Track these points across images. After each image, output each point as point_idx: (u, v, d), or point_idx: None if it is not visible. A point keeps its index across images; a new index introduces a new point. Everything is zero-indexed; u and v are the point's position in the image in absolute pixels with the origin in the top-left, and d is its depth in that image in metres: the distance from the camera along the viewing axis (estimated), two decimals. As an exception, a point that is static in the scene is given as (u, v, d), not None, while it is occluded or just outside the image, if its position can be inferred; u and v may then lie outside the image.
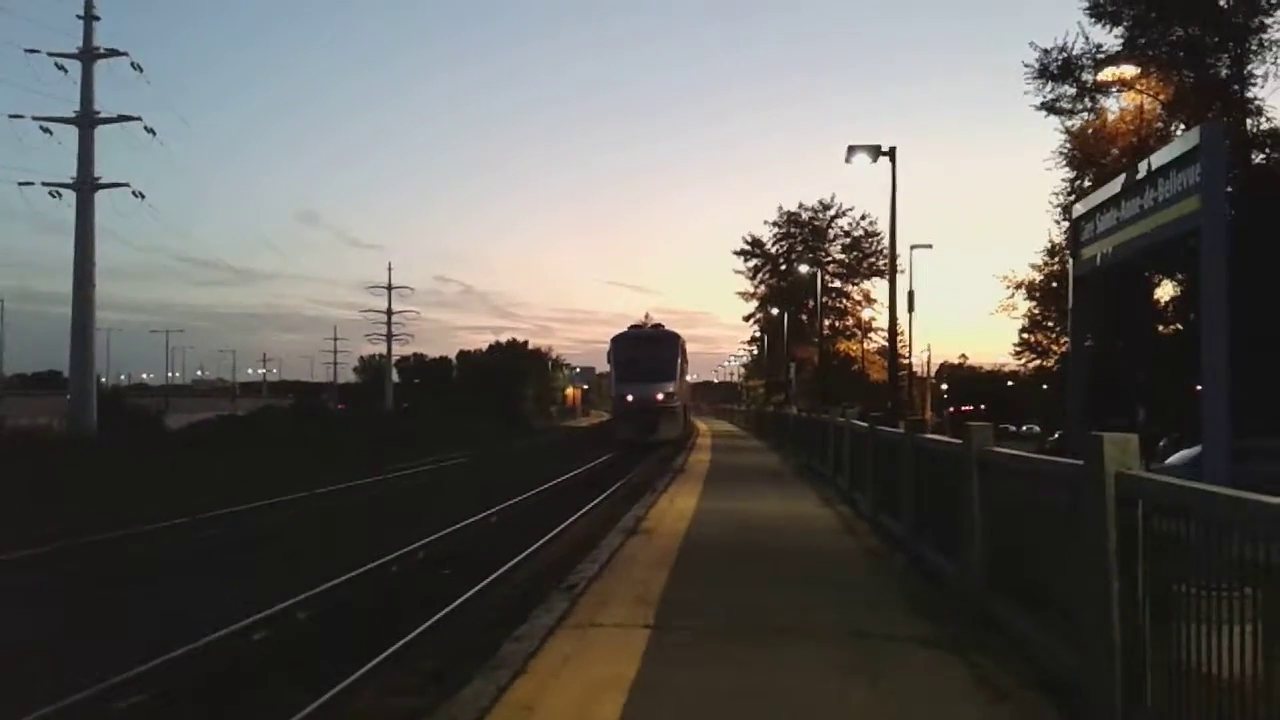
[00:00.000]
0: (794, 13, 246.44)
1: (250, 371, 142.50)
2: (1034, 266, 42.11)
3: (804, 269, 57.10)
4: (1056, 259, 37.04)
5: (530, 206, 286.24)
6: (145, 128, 39.74)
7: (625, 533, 12.09)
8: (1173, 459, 26.75)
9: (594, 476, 27.63)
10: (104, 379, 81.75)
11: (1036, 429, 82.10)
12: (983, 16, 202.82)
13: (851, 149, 17.09)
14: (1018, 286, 40.92)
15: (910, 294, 36.80)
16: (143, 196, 40.19)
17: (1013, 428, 73.63)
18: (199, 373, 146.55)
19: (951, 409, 76.99)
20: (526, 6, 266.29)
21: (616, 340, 48.41)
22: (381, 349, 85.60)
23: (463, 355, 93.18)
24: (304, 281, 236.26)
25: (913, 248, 39.53)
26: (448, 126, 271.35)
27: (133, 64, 39.49)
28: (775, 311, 61.30)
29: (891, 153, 16.97)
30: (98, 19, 38.55)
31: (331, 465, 28.92)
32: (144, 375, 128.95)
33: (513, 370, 79.09)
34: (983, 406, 57.06)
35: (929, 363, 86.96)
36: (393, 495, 23.60)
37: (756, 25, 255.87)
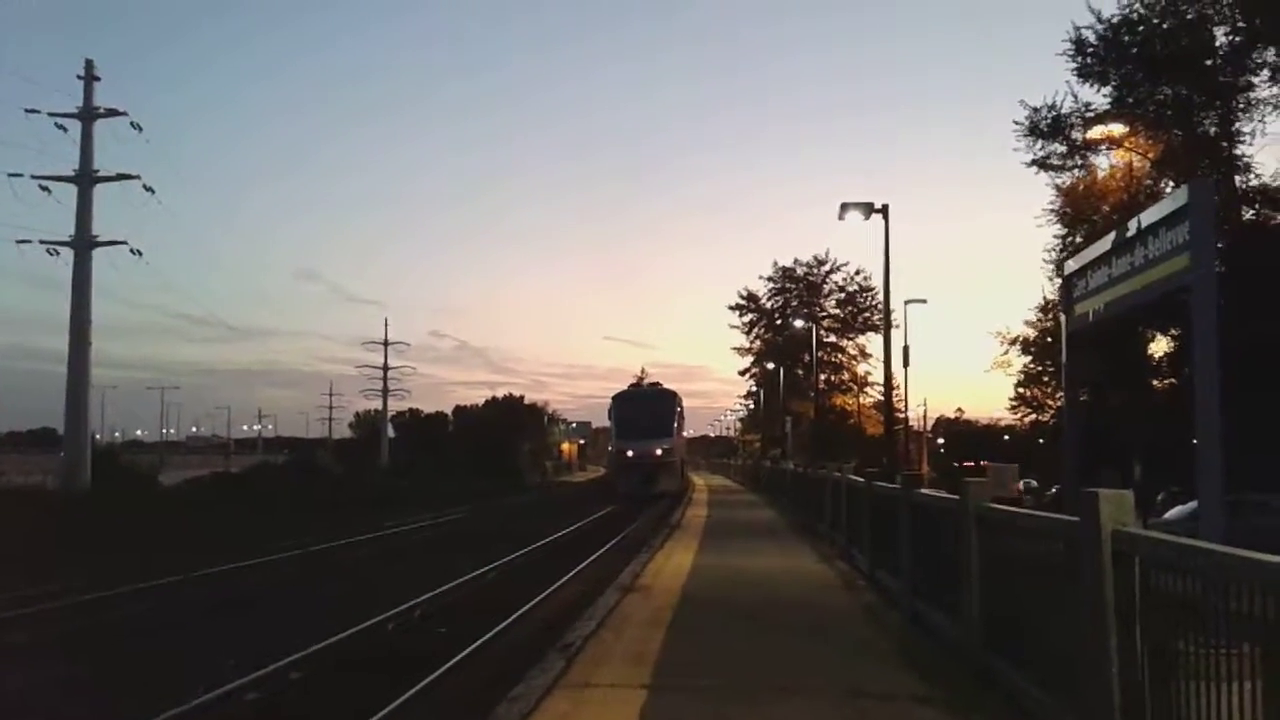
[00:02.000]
0: (790, 67, 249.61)
1: (245, 428, 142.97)
2: (1028, 323, 42.62)
3: (799, 324, 57.45)
4: (1050, 315, 37.61)
5: (527, 262, 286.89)
6: (144, 186, 39.89)
7: (622, 590, 12.02)
8: (1170, 514, 26.69)
9: (590, 533, 27.47)
10: (99, 436, 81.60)
11: (1034, 484, 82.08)
12: (977, 72, 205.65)
13: (844, 206, 17.26)
14: (1012, 342, 41.25)
15: (905, 349, 37.07)
16: (140, 254, 40.27)
17: (1009, 481, 73.64)
18: (194, 429, 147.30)
19: (959, 463, 76.69)
20: (522, 65, 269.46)
21: (617, 398, 50.01)
22: (377, 405, 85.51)
23: (459, 410, 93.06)
24: (300, 337, 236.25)
25: (907, 303, 39.99)
26: (444, 184, 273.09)
27: (132, 123, 39.73)
28: (771, 366, 61.61)
29: (884, 210, 17.16)
30: (98, 79, 38.99)
31: (325, 522, 28.77)
32: (139, 432, 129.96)
33: (508, 426, 78.86)
34: (984, 462, 57.08)
35: (925, 417, 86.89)
36: (387, 552, 23.42)
37: (750, 82, 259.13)
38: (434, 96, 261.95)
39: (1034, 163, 30.77)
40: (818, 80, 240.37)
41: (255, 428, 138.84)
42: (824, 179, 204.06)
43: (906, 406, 45.87)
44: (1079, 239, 29.04)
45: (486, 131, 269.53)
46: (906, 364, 37.35)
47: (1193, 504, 26.44)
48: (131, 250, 39.80)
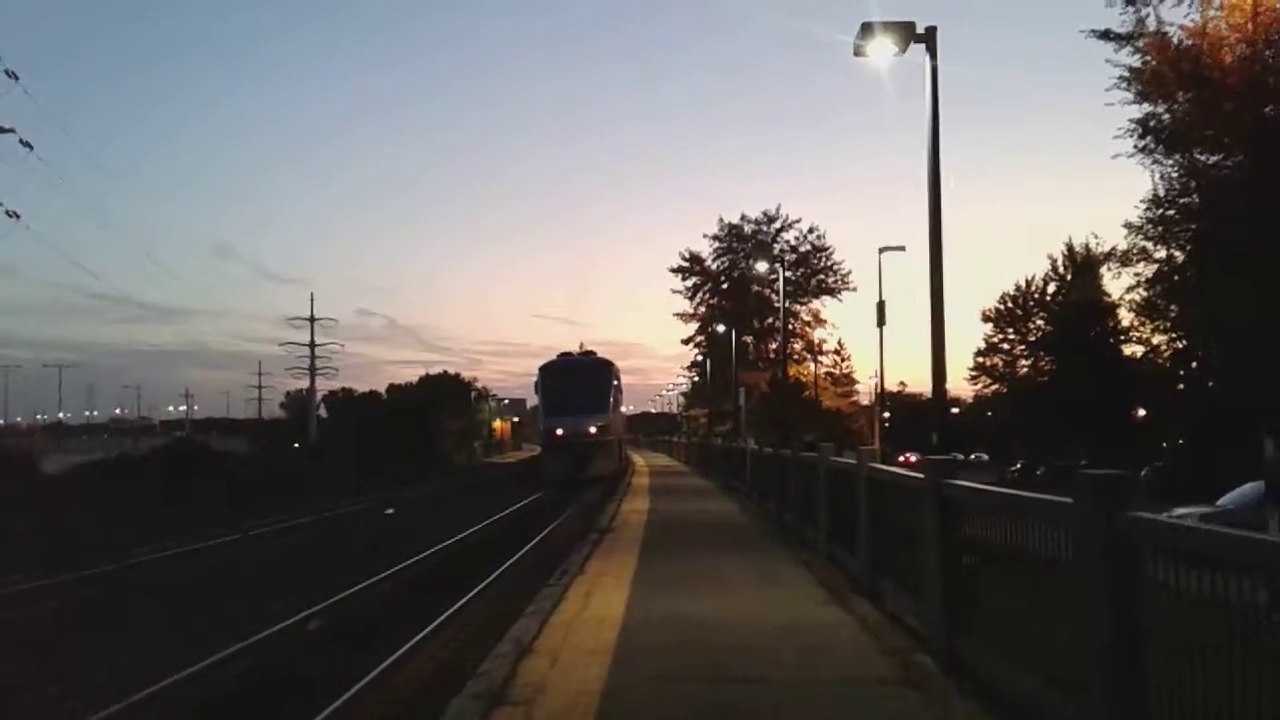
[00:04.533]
0: (725, 43, 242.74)
1: (171, 409, 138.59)
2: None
3: (763, 266, 51.18)
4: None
5: (452, 239, 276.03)
6: (21, 141, 34.31)
7: (479, 703, 6.14)
8: (1226, 499, 21.68)
9: (488, 540, 21.09)
10: (2, 420, 78.06)
11: (985, 458, 77.94)
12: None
13: (866, 28, 10.92)
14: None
15: (880, 305, 31.44)
16: (17, 216, 35.23)
17: (960, 456, 69.17)
18: (118, 411, 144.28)
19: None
20: (447, 49, 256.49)
21: (544, 370, 44.14)
22: (305, 384, 78.96)
23: (393, 389, 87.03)
24: (222, 317, 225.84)
25: (881, 251, 33.89)
26: (361, 158, 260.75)
27: (6, 72, 34.03)
28: (721, 329, 55.61)
29: (930, 37, 10.98)
30: None
31: (182, 519, 24.49)
32: (61, 415, 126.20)
33: (431, 402, 72.40)
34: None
35: (882, 389, 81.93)
36: (207, 575, 16.95)
37: (680, 61, 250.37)
38: (356, 82, 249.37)
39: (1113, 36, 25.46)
40: (756, 56, 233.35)
41: (181, 409, 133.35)
42: (764, 154, 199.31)
43: (882, 372, 40.44)
44: (1166, 118, 23.54)
45: (407, 113, 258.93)
46: (882, 323, 31.69)
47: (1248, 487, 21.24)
48: (7, 212, 34.99)
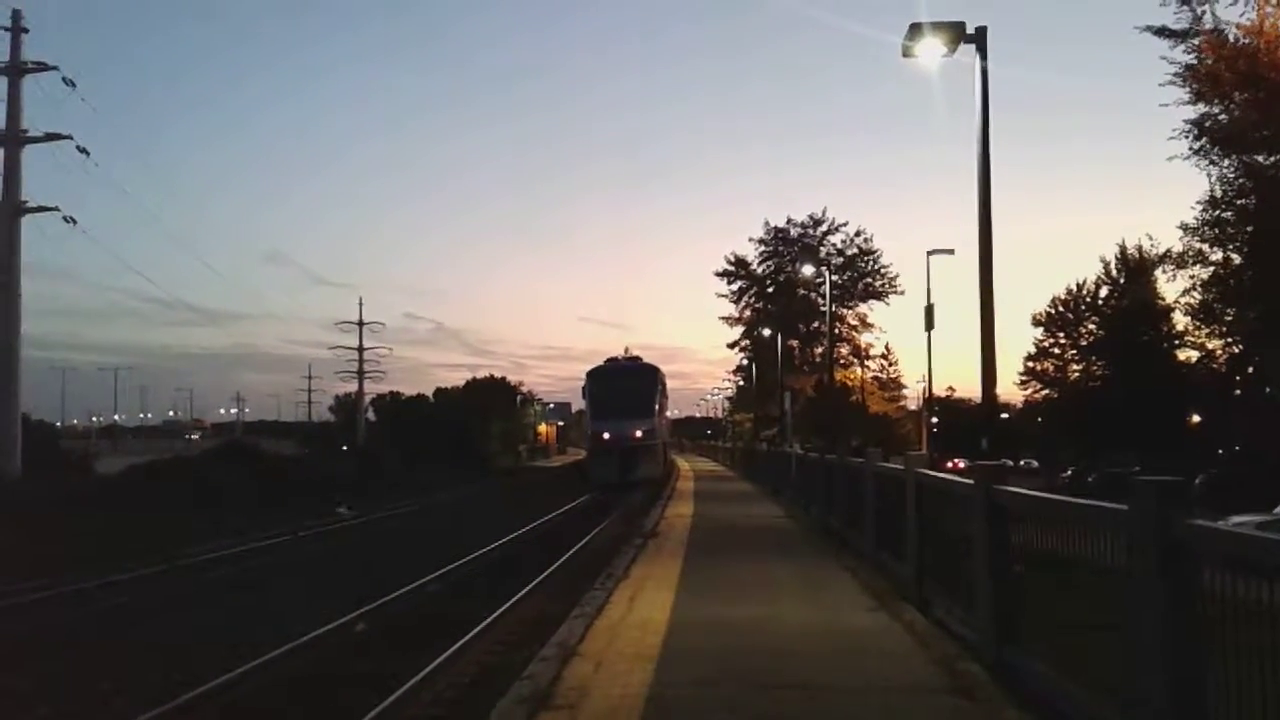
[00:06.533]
0: (776, 49, 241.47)
1: (222, 412, 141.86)
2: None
3: (808, 270, 50.69)
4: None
5: (499, 244, 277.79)
6: (78, 148, 36.72)
7: (524, 707, 6.14)
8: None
9: (532, 545, 20.93)
10: (60, 422, 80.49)
11: (1035, 463, 76.83)
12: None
13: (915, 29, 10.68)
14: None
15: (929, 309, 31.05)
16: (74, 222, 37.26)
17: (1009, 462, 68.03)
18: (171, 413, 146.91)
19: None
20: (491, 55, 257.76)
21: (592, 374, 44.62)
22: (354, 387, 79.80)
23: (440, 393, 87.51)
24: (273, 321, 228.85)
25: (930, 254, 33.47)
26: (409, 163, 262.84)
27: (64, 79, 36.36)
28: (767, 333, 55.33)
29: (980, 36, 10.79)
30: (26, 31, 35.90)
31: (226, 523, 24.32)
32: (116, 417, 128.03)
33: (476, 406, 72.78)
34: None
35: (931, 393, 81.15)
36: (214, 585, 16.64)
37: (728, 68, 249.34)
38: (405, 85, 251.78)
39: (1168, 33, 25.09)
40: (807, 62, 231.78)
41: (232, 411, 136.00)
42: (809, 162, 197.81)
43: (930, 376, 39.98)
44: (1222, 118, 23.12)
45: (455, 117, 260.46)
46: (930, 327, 31.31)
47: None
48: (64, 218, 37.10)
